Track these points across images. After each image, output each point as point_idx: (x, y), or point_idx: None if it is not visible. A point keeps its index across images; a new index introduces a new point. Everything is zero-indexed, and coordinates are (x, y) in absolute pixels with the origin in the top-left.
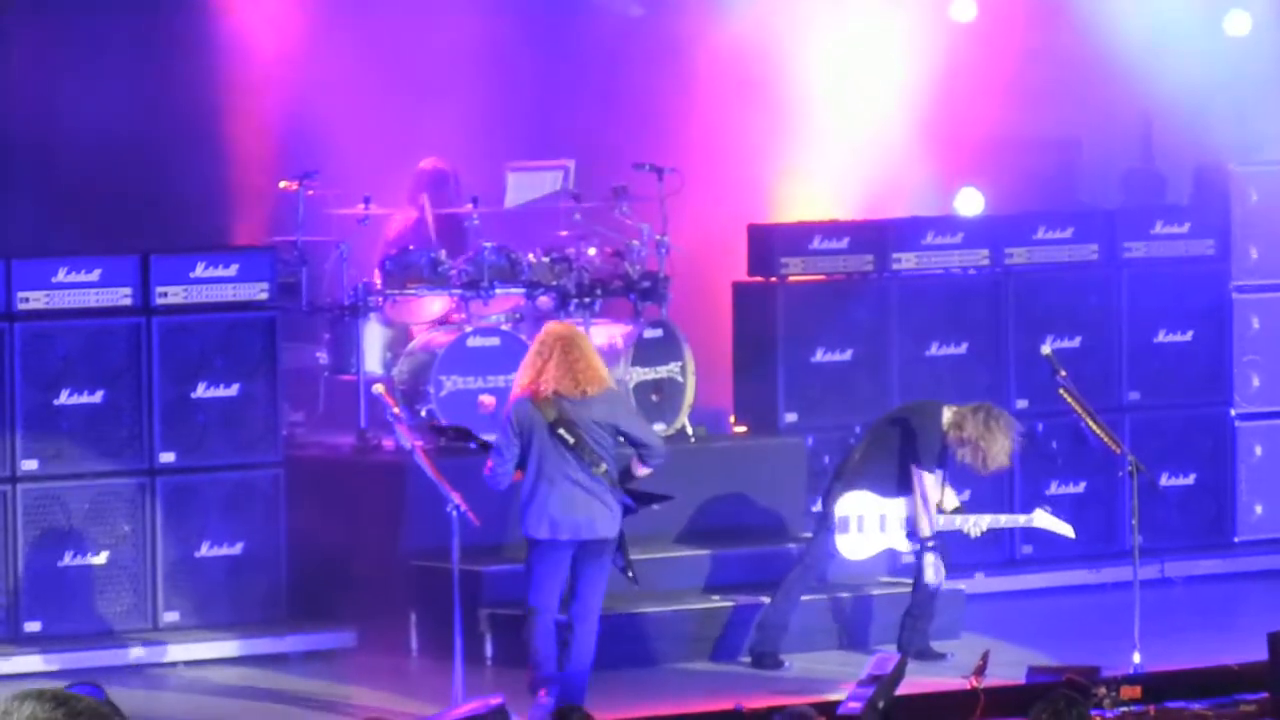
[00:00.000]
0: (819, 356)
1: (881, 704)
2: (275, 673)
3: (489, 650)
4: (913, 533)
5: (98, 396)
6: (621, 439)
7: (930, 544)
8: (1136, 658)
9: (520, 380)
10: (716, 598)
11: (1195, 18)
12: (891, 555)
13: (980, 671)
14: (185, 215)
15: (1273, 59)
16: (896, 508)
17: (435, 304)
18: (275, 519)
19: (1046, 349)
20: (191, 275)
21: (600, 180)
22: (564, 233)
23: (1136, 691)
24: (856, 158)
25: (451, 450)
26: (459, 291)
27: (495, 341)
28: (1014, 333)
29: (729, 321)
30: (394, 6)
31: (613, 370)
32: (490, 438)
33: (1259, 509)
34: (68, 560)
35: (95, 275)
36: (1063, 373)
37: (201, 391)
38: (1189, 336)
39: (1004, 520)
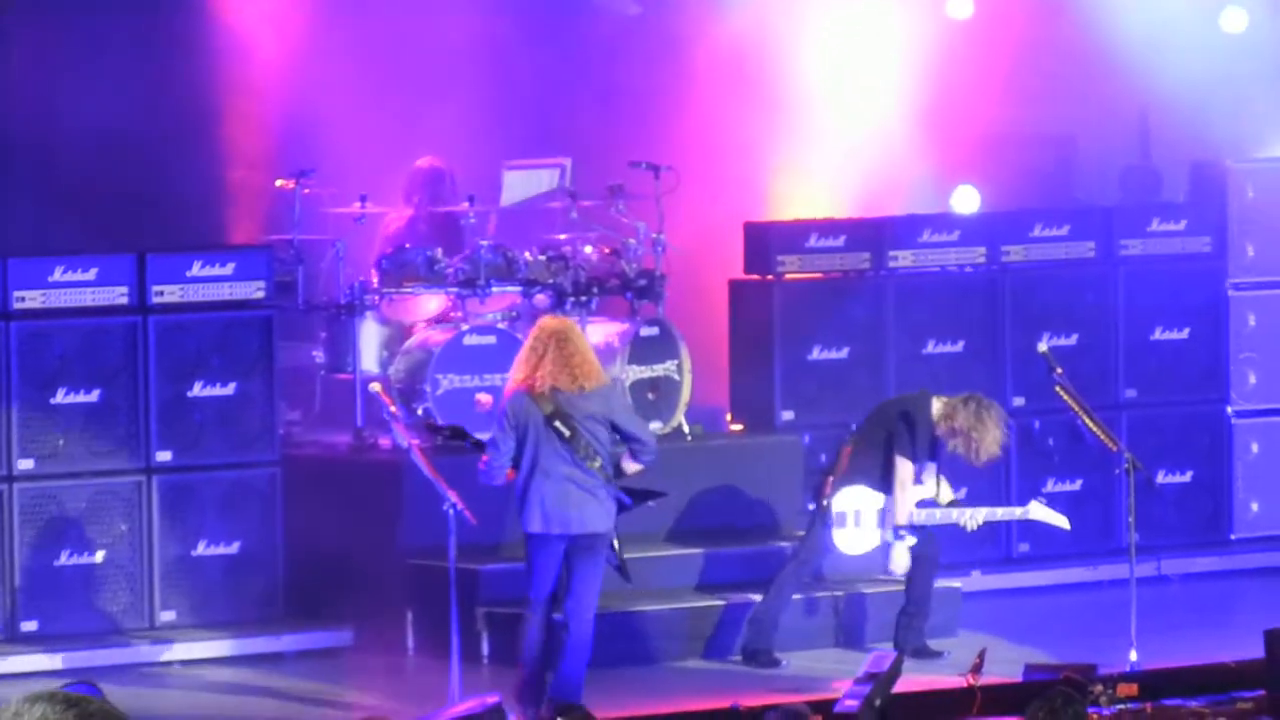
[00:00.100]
0: (815, 354)
1: (878, 702)
2: (272, 672)
3: (485, 649)
4: (883, 520)
5: (94, 395)
6: (616, 435)
7: (902, 532)
8: (1133, 655)
9: (515, 375)
10: (713, 596)
11: (1192, 14)
12: (888, 552)
13: (977, 669)
14: (182, 214)
15: (1269, 55)
16: (893, 504)
17: (432, 302)
18: (272, 518)
19: (1043, 346)
20: (188, 274)
21: (597, 178)
22: (562, 235)
23: (1133, 689)
24: (853, 155)
25: (448, 449)
26: (455, 290)
27: (492, 340)
28: (1010, 330)
29: (725, 319)
30: (390, 6)
31: (609, 368)
32: (485, 436)
33: (1255, 506)
34: (64, 559)
35: (91, 274)
36: (1059, 370)
37: (198, 390)
38: (1185, 334)
39: (1000, 513)
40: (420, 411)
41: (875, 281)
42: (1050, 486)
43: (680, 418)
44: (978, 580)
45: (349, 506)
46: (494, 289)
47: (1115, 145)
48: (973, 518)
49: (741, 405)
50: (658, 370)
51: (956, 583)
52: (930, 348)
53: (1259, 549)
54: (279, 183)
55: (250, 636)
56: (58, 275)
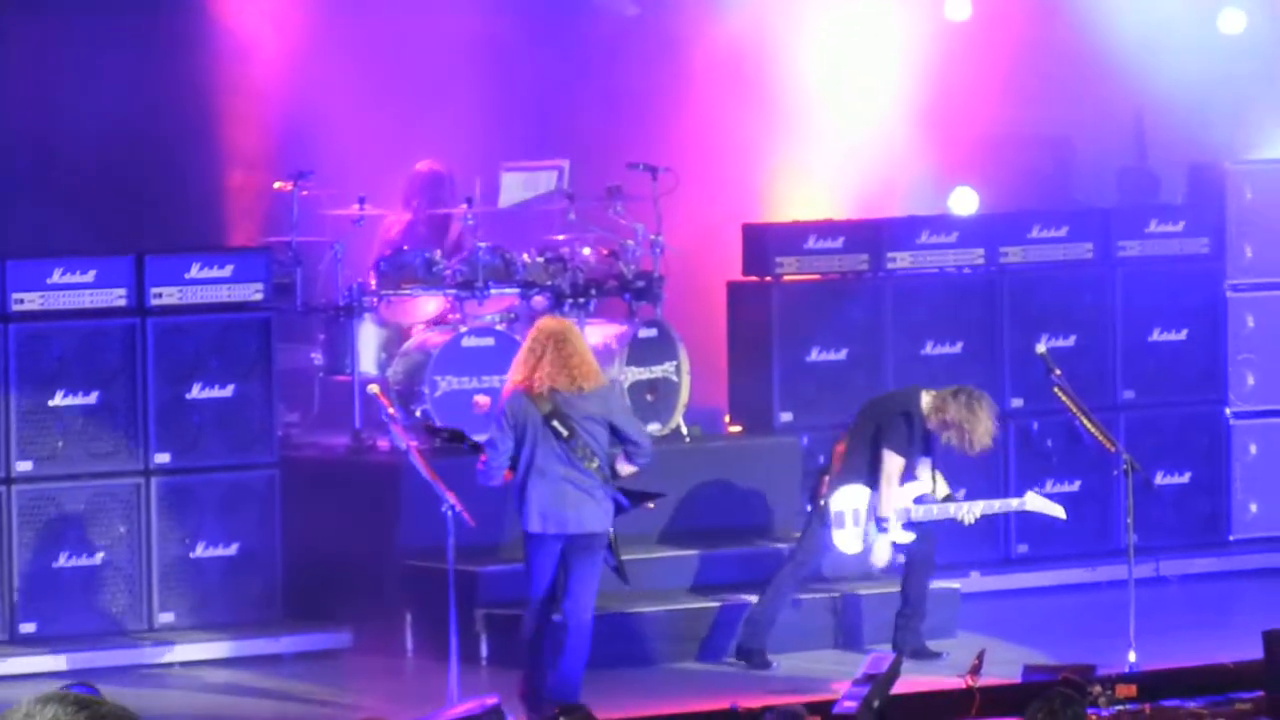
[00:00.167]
0: (814, 356)
1: (877, 703)
2: (270, 673)
3: (484, 650)
4: (880, 516)
5: (93, 397)
6: (614, 436)
7: (885, 524)
8: (1132, 656)
9: (514, 376)
10: (712, 597)
11: (1190, 16)
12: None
13: (976, 670)
14: (180, 215)
15: (1267, 57)
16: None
17: (430, 304)
18: (270, 520)
19: (1041, 348)
20: (186, 276)
21: (595, 180)
22: (559, 234)
23: (1132, 690)
24: (851, 157)
25: (446, 450)
26: (454, 292)
27: (490, 342)
28: (1009, 331)
29: (724, 321)
30: (388, 8)
31: (607, 370)
32: (483, 438)
33: (1254, 507)
34: (63, 561)
35: (90, 276)
36: (1057, 371)
37: (196, 392)
38: (1184, 335)
39: (997, 505)
40: (418, 413)
41: (873, 283)
42: (1049, 487)
43: (679, 419)
44: (976, 581)
45: (347, 508)
46: (492, 291)
47: (1113, 146)
48: (970, 511)
49: (740, 406)
50: (656, 372)
51: (955, 584)
52: (929, 349)
53: (1257, 550)
54: (277, 185)
55: (249, 638)
56: (56, 277)
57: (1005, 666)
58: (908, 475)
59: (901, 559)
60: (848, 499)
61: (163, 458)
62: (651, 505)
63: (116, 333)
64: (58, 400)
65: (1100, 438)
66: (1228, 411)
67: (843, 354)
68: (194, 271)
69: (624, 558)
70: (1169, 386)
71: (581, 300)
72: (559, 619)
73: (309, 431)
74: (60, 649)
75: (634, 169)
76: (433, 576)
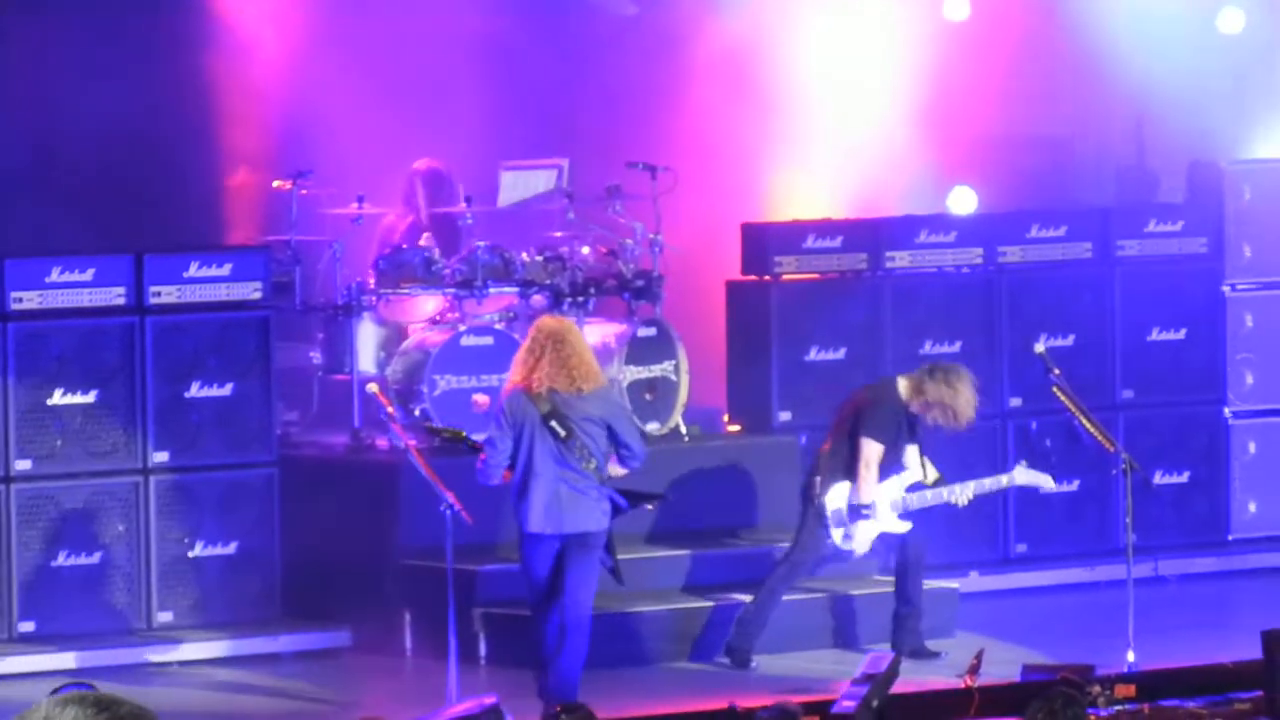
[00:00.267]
0: (813, 355)
1: (876, 703)
2: (269, 672)
3: (483, 650)
4: (861, 503)
5: (91, 396)
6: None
7: (865, 511)
8: (1131, 656)
9: (513, 376)
10: (710, 597)
11: (1188, 15)
12: (884, 553)
13: (975, 670)
14: (179, 214)
15: (1266, 56)
16: (882, 491)
17: (429, 303)
18: (269, 519)
19: (1040, 347)
20: (185, 275)
21: (594, 179)
22: (558, 233)
23: (1131, 690)
24: (850, 156)
25: (445, 450)
26: (453, 291)
27: (489, 341)
28: (1007, 331)
29: (723, 320)
30: (386, 7)
31: (606, 369)
32: (482, 438)
33: (1253, 507)
34: (61, 560)
35: (89, 275)
36: (1056, 371)
37: (195, 391)
38: (1182, 335)
39: (988, 484)
40: (417, 412)
41: (872, 282)
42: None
43: (678, 418)
44: (975, 581)
45: (346, 507)
46: (491, 290)
47: (1112, 146)
48: (963, 493)
49: (739, 406)
50: (655, 371)
51: (954, 583)
52: (927, 348)
53: (1256, 549)
54: (276, 183)
55: (248, 637)
56: (55, 276)
57: (1004, 666)
58: (897, 465)
59: (894, 558)
60: (841, 496)
61: (161, 456)
62: (650, 507)
63: (115, 331)
64: (56, 399)
65: (1099, 437)
66: (1226, 411)
67: (841, 353)
68: (193, 270)
69: (622, 556)
70: (1168, 386)
71: (580, 299)
72: (557, 618)
73: (308, 430)
74: (59, 648)
75: (633, 168)
76: (431, 575)
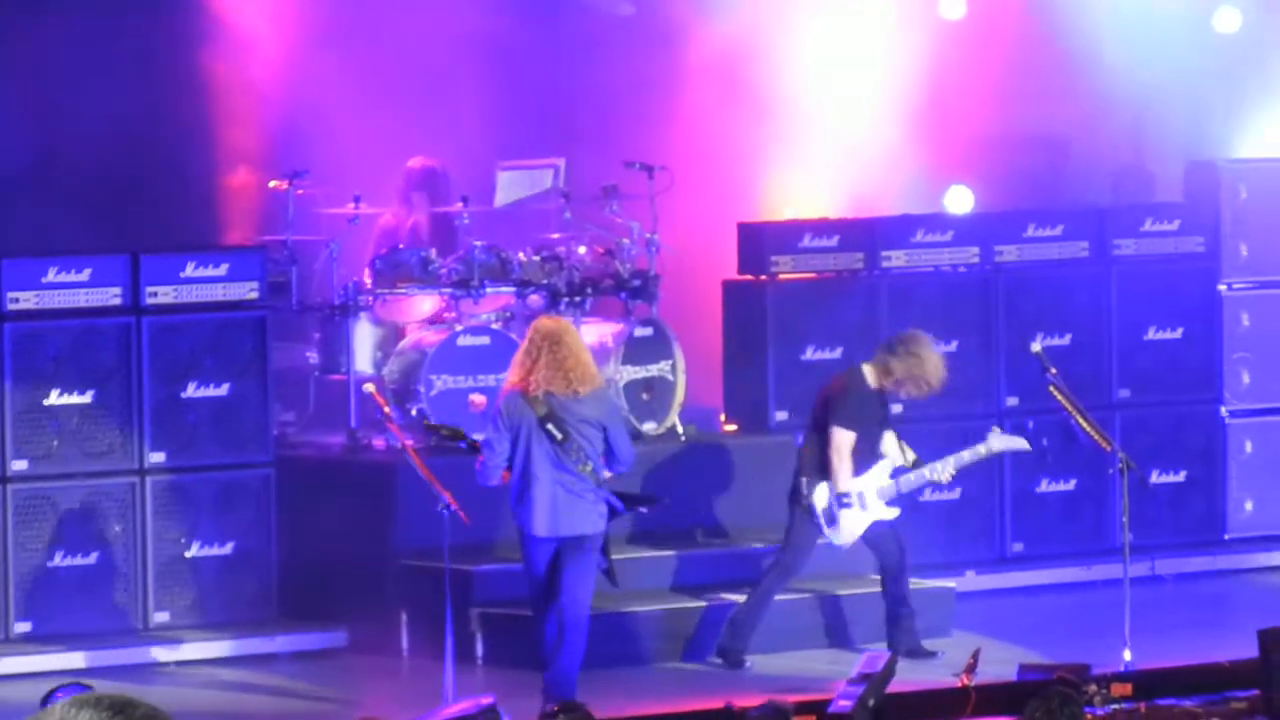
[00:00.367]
0: (809, 354)
1: (872, 702)
2: (266, 673)
3: (480, 650)
4: (839, 493)
5: (88, 396)
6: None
7: (846, 500)
8: (1127, 655)
9: (511, 377)
10: (707, 596)
11: (1185, 15)
12: (834, 523)
13: (971, 669)
14: (176, 214)
15: (1262, 56)
16: (868, 482)
17: (426, 303)
18: (266, 519)
19: (1036, 346)
20: (181, 275)
21: (590, 179)
22: (555, 233)
23: (1127, 689)
24: (846, 155)
25: (442, 449)
26: (449, 290)
27: (485, 340)
28: (1004, 330)
29: (719, 320)
30: (383, 7)
31: (603, 369)
32: (480, 437)
33: (1249, 506)
34: (58, 561)
35: (85, 275)
36: (1053, 370)
37: (192, 391)
38: (1179, 334)
39: (967, 456)
40: (414, 412)
41: (869, 282)
42: (1044, 486)
43: (674, 418)
44: (972, 580)
45: (343, 507)
46: (488, 289)
47: (1108, 146)
48: (944, 470)
49: (735, 405)
50: (652, 370)
51: (950, 583)
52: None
53: (1253, 548)
54: (273, 183)
55: (244, 637)
56: (51, 276)
57: (1000, 665)
58: (876, 453)
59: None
60: (827, 494)
61: (158, 457)
62: (646, 510)
63: (111, 331)
64: (53, 399)
65: (1096, 436)
66: (1223, 410)
67: (838, 353)
68: (189, 270)
69: (618, 556)
70: (1164, 385)
71: (577, 299)
72: (555, 617)
73: (304, 430)
74: (55, 648)
75: (630, 168)
76: (428, 575)
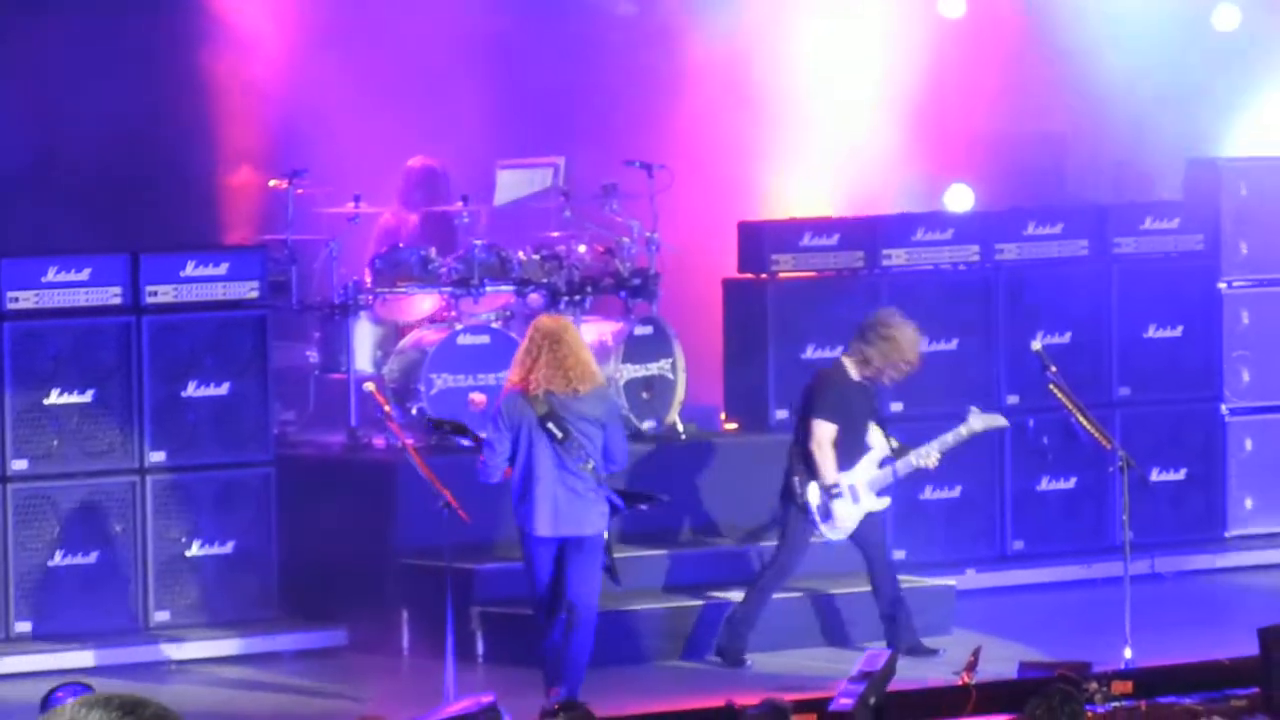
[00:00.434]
0: (809, 353)
1: (873, 700)
2: (267, 672)
3: (480, 648)
4: (826, 486)
5: (88, 396)
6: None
7: (835, 491)
8: (1128, 653)
9: (512, 376)
10: (707, 595)
11: (1184, 12)
12: (826, 518)
13: (972, 667)
14: (176, 214)
15: (1261, 53)
16: (858, 474)
17: (425, 302)
18: (266, 518)
19: (1037, 344)
20: (181, 274)
21: (590, 177)
22: (555, 232)
23: (1128, 686)
24: (846, 154)
25: (443, 448)
26: (449, 289)
27: (485, 339)
28: (1004, 328)
29: (719, 318)
30: (383, 6)
31: (603, 368)
32: (484, 435)
33: (1249, 504)
34: (58, 560)
35: (85, 274)
36: (1053, 368)
37: (192, 390)
38: (1179, 332)
39: (950, 439)
40: (414, 411)
41: (869, 280)
42: (1044, 484)
43: (674, 416)
44: (972, 578)
45: (343, 506)
46: (488, 288)
47: (1108, 143)
48: (929, 455)
49: (735, 404)
50: (652, 369)
51: (951, 581)
52: (924, 346)
53: (1253, 546)
54: (273, 183)
55: (245, 636)
56: (51, 275)
57: (1001, 663)
58: (863, 446)
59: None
60: (818, 491)
61: (158, 456)
62: (646, 508)
63: (112, 331)
64: (53, 399)
65: (1096, 434)
66: (1223, 408)
67: (838, 351)
68: (189, 269)
69: (618, 555)
70: (1164, 383)
71: (577, 298)
72: (564, 615)
73: (304, 430)
74: (55, 648)
75: (630, 166)
76: (429, 574)
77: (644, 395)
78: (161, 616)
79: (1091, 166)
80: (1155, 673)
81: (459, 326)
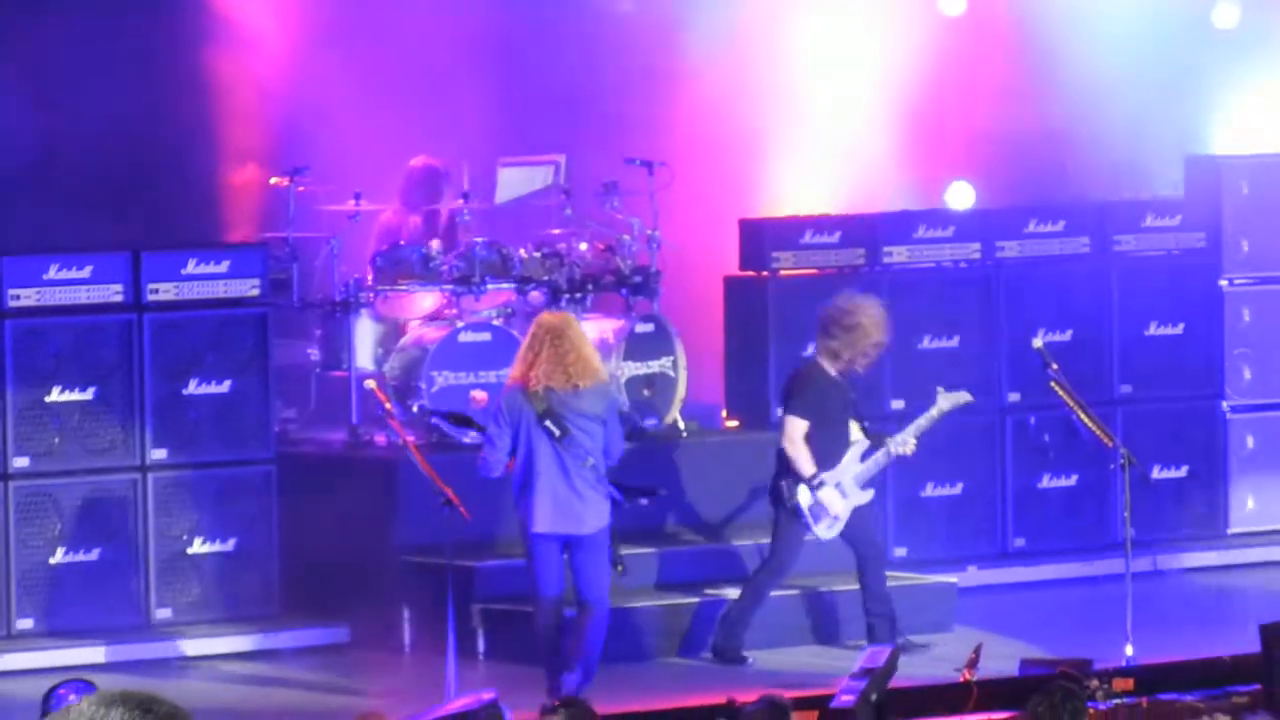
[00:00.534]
0: (810, 351)
1: (874, 697)
2: (268, 669)
3: (481, 645)
4: (807, 479)
5: (89, 393)
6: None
7: (816, 483)
8: (1129, 650)
9: (513, 372)
10: (708, 592)
11: (1184, 10)
12: (817, 515)
13: (973, 664)
14: (177, 211)
15: (1262, 50)
16: (845, 470)
17: (427, 299)
18: (268, 515)
19: (1038, 342)
20: (183, 272)
21: (591, 175)
22: (556, 229)
23: (1129, 684)
24: (847, 151)
25: (444, 445)
26: (450, 287)
27: (487, 337)
28: (1005, 326)
29: (720, 316)
30: (383, 4)
31: (604, 365)
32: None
33: (1251, 501)
34: (60, 557)
35: (86, 272)
36: (1054, 366)
37: (193, 388)
38: (1180, 329)
39: (923, 422)
40: (415, 408)
41: (870, 278)
42: (1045, 482)
43: (675, 414)
44: (973, 575)
45: (345, 504)
46: (489, 286)
47: (1109, 141)
48: (905, 442)
49: (736, 401)
50: (653, 366)
51: (952, 578)
52: (925, 343)
53: (1254, 543)
54: (274, 180)
55: (246, 634)
56: (53, 273)
57: (1002, 661)
58: (844, 441)
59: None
60: (807, 491)
61: (159, 454)
62: (646, 502)
63: (113, 328)
64: (54, 396)
65: (1097, 432)
66: (1224, 405)
67: None
68: (190, 267)
69: (625, 552)
70: (1166, 381)
71: (578, 295)
72: (573, 612)
73: (306, 427)
74: (57, 645)
75: (630, 164)
76: (430, 571)
77: (645, 393)
78: (163, 614)
79: (1092, 164)
80: (1157, 670)
81: (460, 324)
